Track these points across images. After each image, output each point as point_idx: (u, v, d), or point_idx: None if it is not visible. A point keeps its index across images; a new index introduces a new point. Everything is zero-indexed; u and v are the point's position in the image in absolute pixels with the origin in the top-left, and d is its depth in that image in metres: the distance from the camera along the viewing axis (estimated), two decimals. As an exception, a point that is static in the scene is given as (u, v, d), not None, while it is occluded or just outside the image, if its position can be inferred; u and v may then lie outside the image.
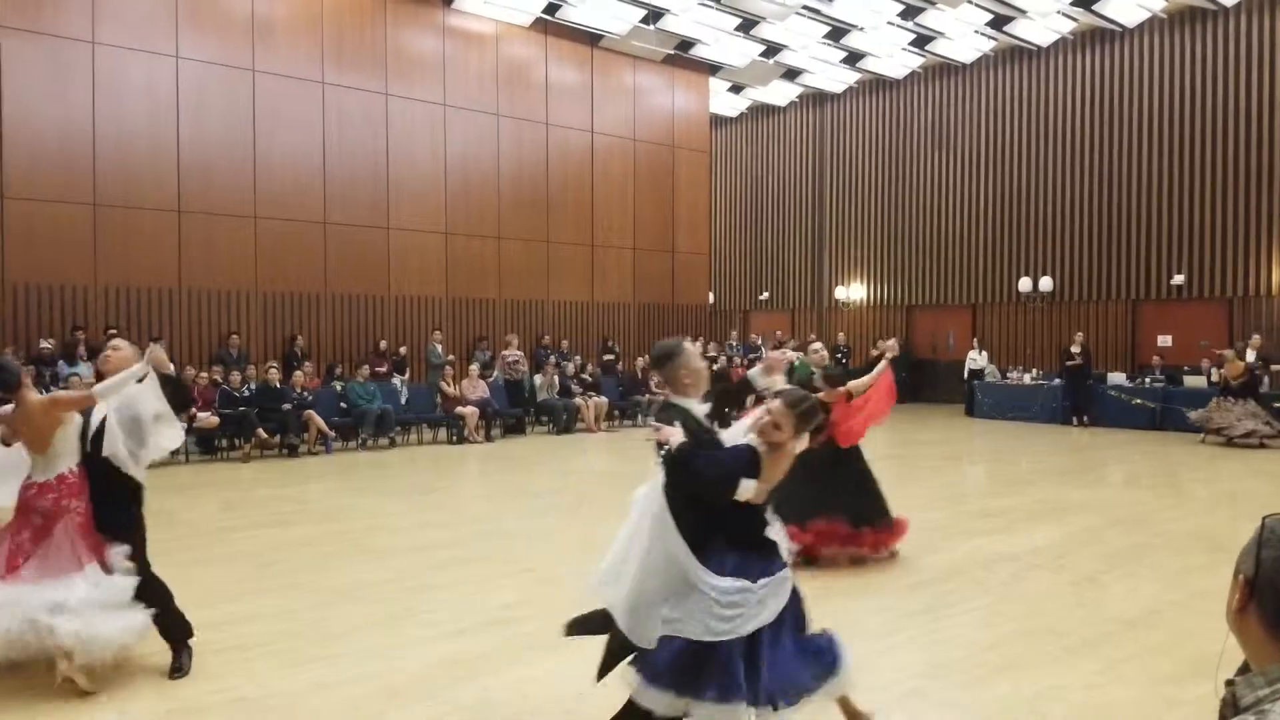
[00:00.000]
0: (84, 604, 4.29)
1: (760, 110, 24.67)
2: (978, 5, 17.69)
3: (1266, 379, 14.85)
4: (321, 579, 6.47)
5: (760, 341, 20.99)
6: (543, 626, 5.35)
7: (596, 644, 5.07)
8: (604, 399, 16.53)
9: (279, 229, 15.54)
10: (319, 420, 13.23)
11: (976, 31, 19.09)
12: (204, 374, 13.33)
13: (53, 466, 4.51)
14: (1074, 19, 18.55)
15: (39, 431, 4.49)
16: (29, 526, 4.45)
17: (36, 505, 4.46)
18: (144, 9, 14.25)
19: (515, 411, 15.90)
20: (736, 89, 23.14)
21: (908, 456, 12.83)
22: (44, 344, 12.90)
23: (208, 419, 12.38)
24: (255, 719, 4.15)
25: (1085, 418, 16.53)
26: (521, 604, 5.81)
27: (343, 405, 13.94)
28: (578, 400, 16.23)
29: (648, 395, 17.12)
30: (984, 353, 19.58)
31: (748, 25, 18.48)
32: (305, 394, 13.45)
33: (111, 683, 4.48)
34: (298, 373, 13.73)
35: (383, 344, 16.05)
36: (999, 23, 18.58)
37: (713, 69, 21.20)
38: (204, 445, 12.82)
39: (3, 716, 4.18)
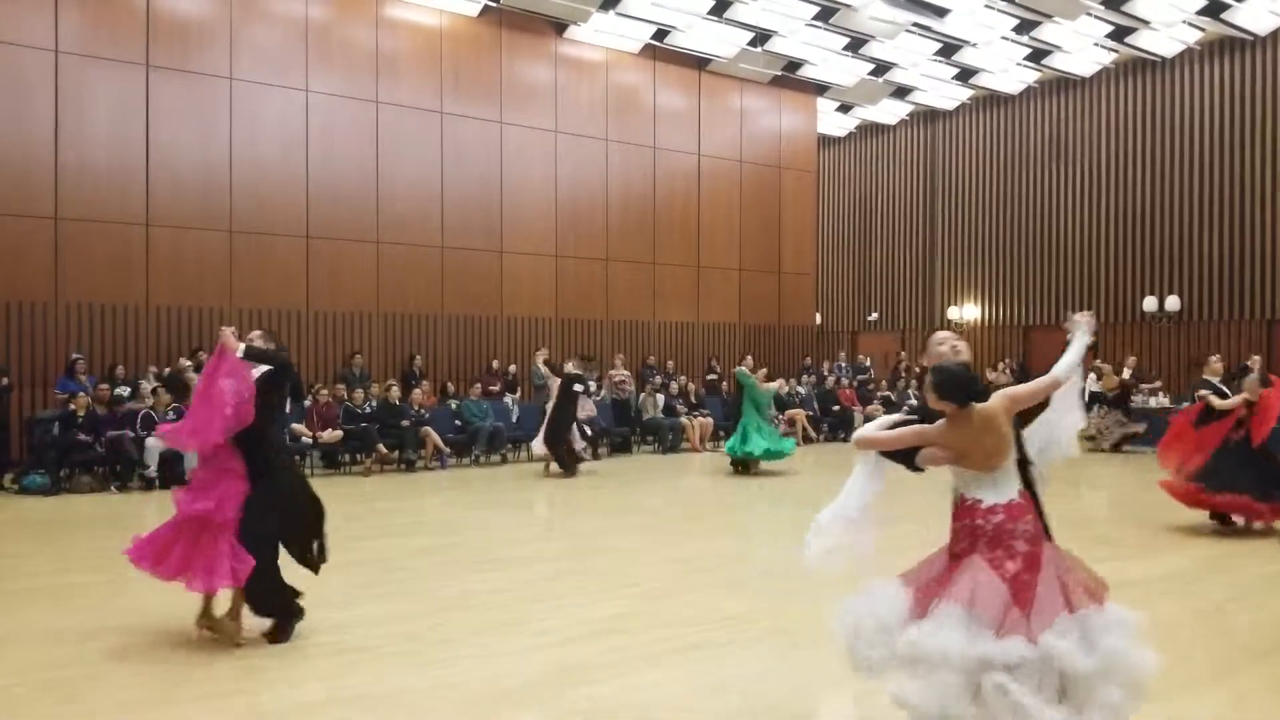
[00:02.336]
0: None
1: (869, 129, 24.43)
2: (1097, 17, 17.15)
3: None
4: (438, 587, 6.73)
5: (869, 363, 20.68)
6: (650, 639, 5.46)
7: (702, 656, 5.14)
8: (709, 419, 16.58)
9: (399, 253, 16.21)
10: (435, 437, 13.69)
11: (1096, 44, 18.50)
12: (327, 391, 13.95)
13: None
14: (1201, 29, 17.79)
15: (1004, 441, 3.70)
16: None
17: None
18: (278, 46, 15.15)
19: (622, 431, 16.11)
20: (845, 108, 22.99)
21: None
22: (184, 362, 13.74)
23: (332, 434, 13.03)
24: (377, 714, 4.37)
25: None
26: (629, 616, 5.92)
27: (457, 423, 14.40)
28: (683, 419, 16.33)
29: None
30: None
31: (856, 44, 18.37)
32: (423, 411, 13.96)
33: (241, 678, 4.78)
34: (416, 391, 14.25)
35: (495, 363, 16.52)
36: (1120, 34, 17.96)
37: (820, 89, 21.13)
38: (328, 459, 13.44)
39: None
